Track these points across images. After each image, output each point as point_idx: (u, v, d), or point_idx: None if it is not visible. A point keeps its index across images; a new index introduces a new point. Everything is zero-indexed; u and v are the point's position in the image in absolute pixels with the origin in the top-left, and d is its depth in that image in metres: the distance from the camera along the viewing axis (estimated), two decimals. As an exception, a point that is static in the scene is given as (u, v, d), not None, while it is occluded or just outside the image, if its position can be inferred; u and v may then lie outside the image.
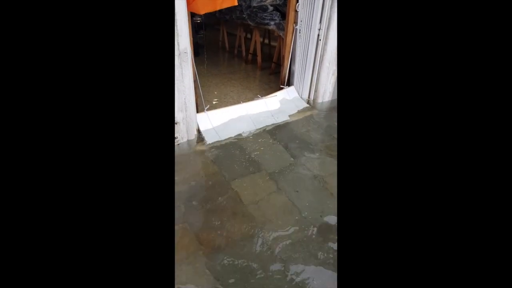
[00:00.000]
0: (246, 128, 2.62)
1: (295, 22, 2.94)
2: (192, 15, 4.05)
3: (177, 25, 1.82)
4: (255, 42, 4.31)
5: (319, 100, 3.16)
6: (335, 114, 2.92)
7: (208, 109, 2.64)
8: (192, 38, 2.17)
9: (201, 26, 5.56)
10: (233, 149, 2.31)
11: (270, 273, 1.32)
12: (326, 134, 2.58)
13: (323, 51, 2.85)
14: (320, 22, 2.70)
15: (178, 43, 1.87)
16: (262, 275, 1.31)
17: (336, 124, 2.72)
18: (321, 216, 1.66)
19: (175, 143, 2.28)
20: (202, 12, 2.29)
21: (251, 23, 4.09)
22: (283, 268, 1.34)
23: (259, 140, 2.44)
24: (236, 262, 1.36)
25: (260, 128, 2.65)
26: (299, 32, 2.93)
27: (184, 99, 2.12)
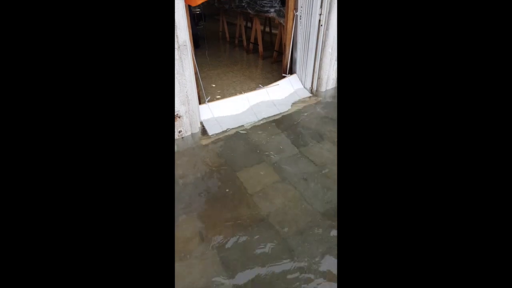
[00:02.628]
0: (248, 119, 2.61)
1: (295, 8, 2.87)
2: (191, 6, 4.00)
3: (174, 17, 1.80)
4: (256, 30, 4.24)
5: (323, 88, 3.12)
6: (339, 101, 2.88)
7: (209, 101, 2.64)
8: (191, 30, 2.15)
9: (200, 17, 5.49)
10: (236, 140, 2.31)
11: (278, 262, 1.34)
12: (330, 122, 2.56)
13: (325, 37, 2.79)
14: (321, 6, 2.64)
15: (176, 36, 1.86)
16: (270, 264, 1.33)
17: (340, 111, 2.69)
18: (326, 204, 1.66)
19: (179, 137, 2.29)
20: (197, 3, 2.27)
21: (250, 12, 4.02)
22: (291, 257, 1.36)
23: (263, 130, 2.44)
24: (244, 253, 1.39)
25: (263, 118, 2.64)
26: (300, 18, 2.86)
27: (186, 92, 2.11)
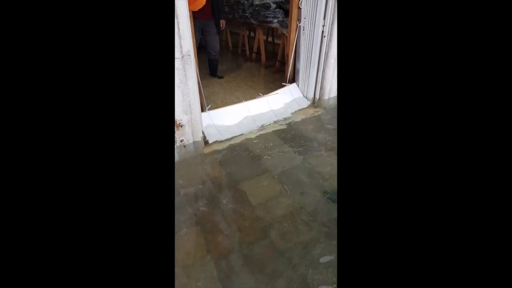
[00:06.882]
0: (248, 127, 2.60)
1: (299, 20, 2.90)
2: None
3: (179, 28, 1.81)
4: (259, 40, 4.28)
5: (325, 97, 3.12)
6: (341, 112, 2.88)
7: (210, 109, 2.64)
8: (194, 40, 2.16)
9: (204, 26, 5.53)
10: (238, 150, 2.30)
11: (280, 278, 1.30)
12: (332, 132, 2.54)
13: (328, 48, 2.81)
14: (324, 18, 2.66)
15: (180, 45, 1.86)
16: (272, 280, 1.30)
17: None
18: (329, 217, 1.63)
19: (181, 145, 2.28)
20: (197, 9, 2.33)
21: (254, 22, 4.07)
22: (293, 273, 1.33)
23: (264, 140, 2.43)
24: (245, 267, 1.36)
25: (263, 127, 2.63)
26: (303, 30, 2.89)
27: (189, 101, 2.11)
